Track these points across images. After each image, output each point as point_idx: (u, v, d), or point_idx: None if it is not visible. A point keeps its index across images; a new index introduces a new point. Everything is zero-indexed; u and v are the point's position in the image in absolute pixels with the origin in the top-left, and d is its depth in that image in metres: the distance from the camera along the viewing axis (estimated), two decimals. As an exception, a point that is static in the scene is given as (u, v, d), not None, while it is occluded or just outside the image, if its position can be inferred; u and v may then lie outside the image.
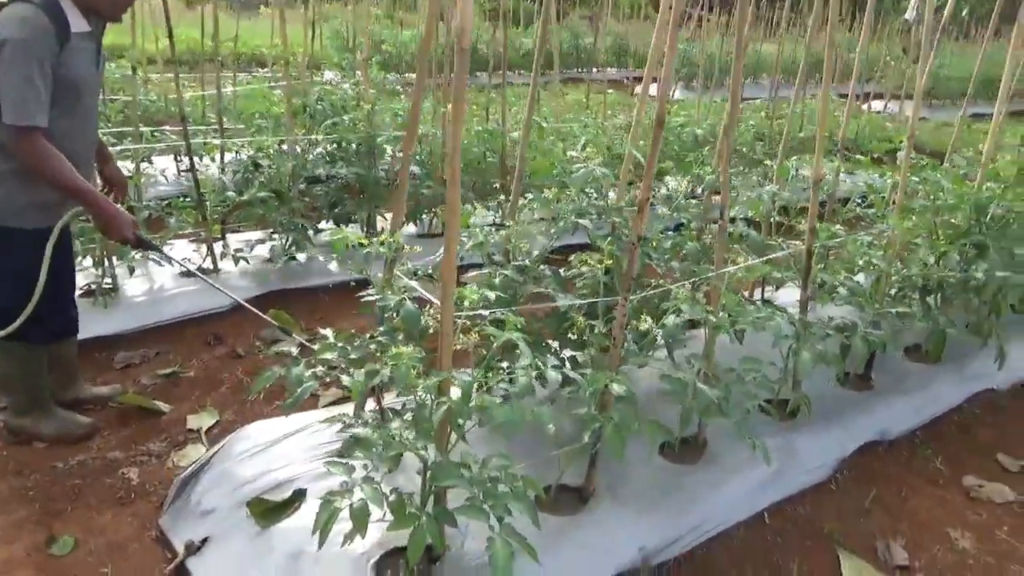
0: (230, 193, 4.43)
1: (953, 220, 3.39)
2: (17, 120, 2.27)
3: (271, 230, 4.50)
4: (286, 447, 2.61)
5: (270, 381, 2.21)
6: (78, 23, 2.43)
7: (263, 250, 4.42)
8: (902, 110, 10.61)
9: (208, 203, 4.26)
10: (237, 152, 5.07)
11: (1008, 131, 3.37)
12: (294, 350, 2.32)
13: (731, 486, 2.58)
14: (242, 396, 3.24)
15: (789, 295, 3.97)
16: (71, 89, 2.43)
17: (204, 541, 2.26)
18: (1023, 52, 3.44)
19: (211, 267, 4.28)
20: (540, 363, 1.99)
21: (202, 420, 3.04)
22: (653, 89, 2.89)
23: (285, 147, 4.65)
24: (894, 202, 4.09)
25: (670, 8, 2.05)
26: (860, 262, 2.99)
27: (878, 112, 9.72)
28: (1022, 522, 2.73)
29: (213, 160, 5.47)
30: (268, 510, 2.30)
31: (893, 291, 3.23)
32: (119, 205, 2.62)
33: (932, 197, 3.40)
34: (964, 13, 15.50)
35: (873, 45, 12.99)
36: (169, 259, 3.04)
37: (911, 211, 3.37)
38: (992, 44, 5.27)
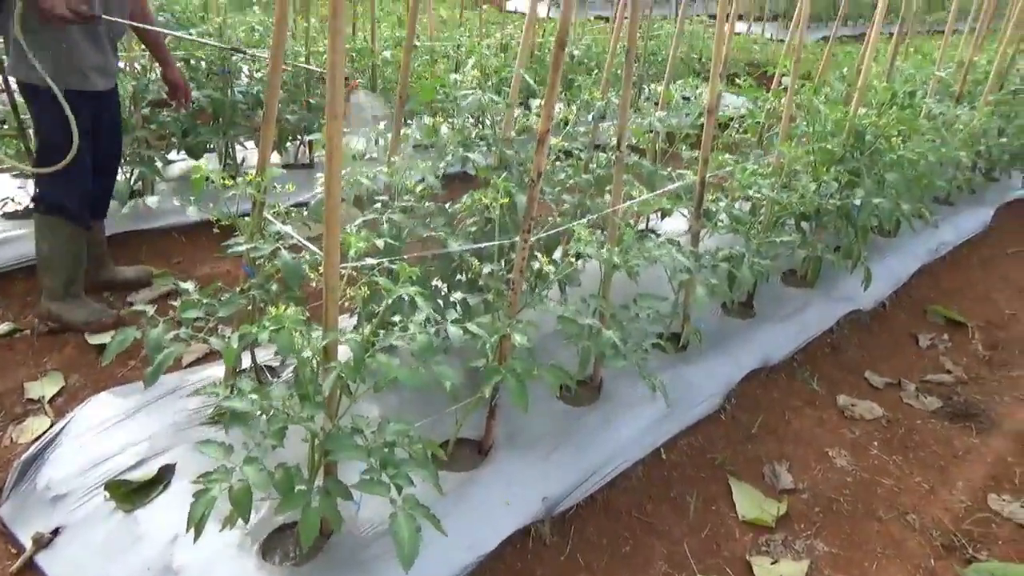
0: (58, 120, 3.84)
1: (829, 146, 3.44)
2: None
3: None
4: (147, 416, 2.32)
5: (124, 345, 1.93)
6: None
7: (104, 185, 3.89)
8: (763, 32, 10.91)
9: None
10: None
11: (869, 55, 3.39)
12: (148, 308, 2.01)
13: (628, 425, 2.54)
14: (90, 357, 2.87)
15: (674, 223, 3.97)
16: None
17: (56, 532, 1.97)
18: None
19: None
20: (438, 316, 1.82)
21: (44, 387, 2.66)
22: (540, 8, 2.68)
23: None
24: (770, 127, 4.14)
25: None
26: (751, 191, 2.97)
27: (738, 33, 9.88)
28: (890, 436, 2.90)
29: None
30: (131, 491, 2.03)
31: (774, 219, 3.26)
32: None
33: (811, 123, 3.42)
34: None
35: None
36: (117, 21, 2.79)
37: (792, 137, 3.39)
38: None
